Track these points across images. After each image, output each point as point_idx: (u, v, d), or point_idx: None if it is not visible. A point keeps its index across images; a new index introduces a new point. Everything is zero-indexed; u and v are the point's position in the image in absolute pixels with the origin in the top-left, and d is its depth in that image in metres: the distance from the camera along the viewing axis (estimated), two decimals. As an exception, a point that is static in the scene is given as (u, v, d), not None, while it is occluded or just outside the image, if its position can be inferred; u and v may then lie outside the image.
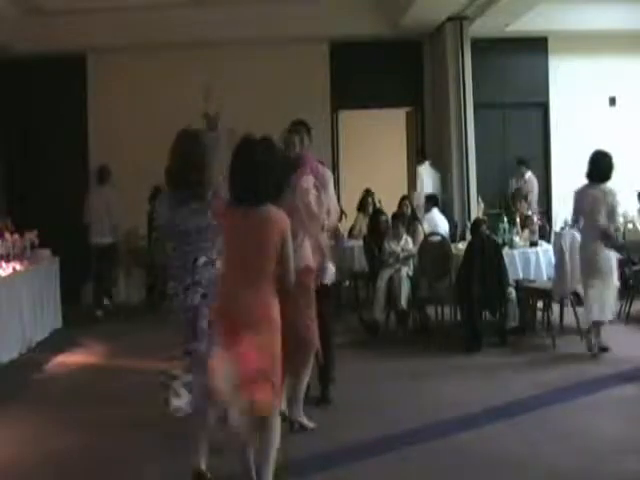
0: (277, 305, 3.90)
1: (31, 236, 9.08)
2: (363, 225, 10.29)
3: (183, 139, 4.63)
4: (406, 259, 8.41)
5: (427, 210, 10.44)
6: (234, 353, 3.77)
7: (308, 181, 5.27)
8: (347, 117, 12.61)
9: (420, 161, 11.90)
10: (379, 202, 10.90)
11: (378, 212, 9.88)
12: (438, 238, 8.76)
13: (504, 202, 10.94)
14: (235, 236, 3.90)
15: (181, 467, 4.65)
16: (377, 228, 9.11)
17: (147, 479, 4.62)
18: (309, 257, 5.15)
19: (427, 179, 11.64)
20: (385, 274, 8.26)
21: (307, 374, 5.29)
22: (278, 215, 3.90)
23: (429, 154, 12.38)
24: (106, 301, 11.06)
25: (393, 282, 8.15)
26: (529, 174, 11.59)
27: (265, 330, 3.82)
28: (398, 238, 8.51)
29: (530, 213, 9.49)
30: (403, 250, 8.43)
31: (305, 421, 5.30)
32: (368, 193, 11.01)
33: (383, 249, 8.49)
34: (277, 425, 3.97)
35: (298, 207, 5.08)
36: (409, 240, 8.61)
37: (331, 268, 5.46)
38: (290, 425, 5.20)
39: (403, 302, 8.05)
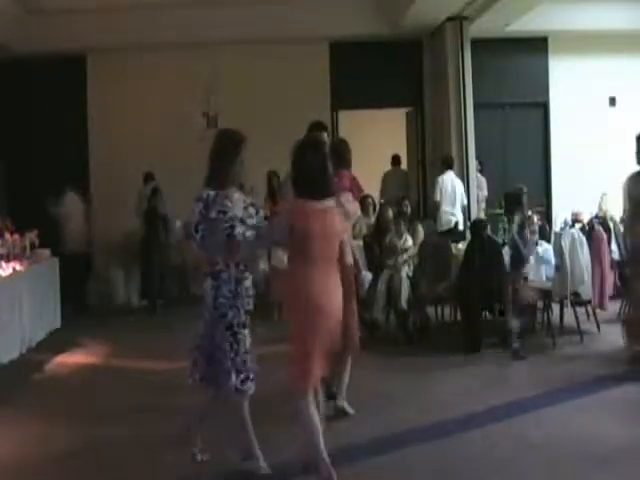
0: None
1: (31, 236, 9.08)
2: (363, 225, 10.27)
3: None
4: (405, 251, 8.38)
5: (441, 172, 10.96)
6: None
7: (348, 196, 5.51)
8: (347, 117, 12.61)
9: (393, 165, 12.51)
10: (380, 202, 10.91)
11: (383, 207, 9.76)
12: (438, 238, 8.77)
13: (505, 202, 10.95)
14: (318, 230, 4.10)
15: (182, 465, 4.65)
16: (382, 223, 9.00)
17: (148, 478, 4.62)
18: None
19: (394, 181, 12.21)
20: (385, 274, 8.25)
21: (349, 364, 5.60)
22: (336, 209, 4.29)
23: (429, 154, 12.42)
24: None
25: (393, 282, 8.14)
26: (478, 175, 11.82)
27: (339, 312, 4.22)
28: (399, 236, 8.50)
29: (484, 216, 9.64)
30: (404, 247, 8.41)
31: (347, 407, 5.52)
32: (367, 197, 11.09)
33: (384, 244, 8.45)
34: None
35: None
36: (409, 239, 8.60)
37: (368, 276, 5.70)
38: (335, 412, 5.45)
39: (403, 302, 8.04)
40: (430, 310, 8.52)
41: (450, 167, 11.03)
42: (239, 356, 4.35)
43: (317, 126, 5.88)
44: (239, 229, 4.36)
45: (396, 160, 12.67)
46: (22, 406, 6.18)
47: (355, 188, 5.78)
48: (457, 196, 10.90)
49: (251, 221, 4.44)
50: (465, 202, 11.06)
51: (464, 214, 11.06)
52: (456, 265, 8.00)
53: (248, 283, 4.43)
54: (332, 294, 4.16)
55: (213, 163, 4.46)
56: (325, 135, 5.89)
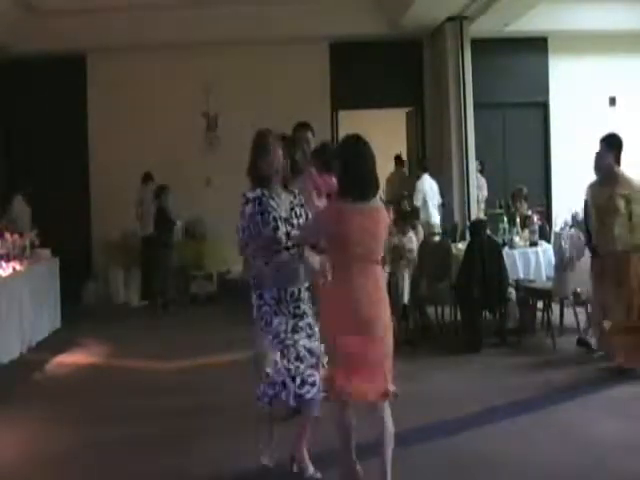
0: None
1: (31, 236, 9.07)
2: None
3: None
4: (411, 252, 8.37)
5: (418, 177, 11.23)
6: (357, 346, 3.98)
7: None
8: (347, 117, 12.61)
9: (397, 165, 12.84)
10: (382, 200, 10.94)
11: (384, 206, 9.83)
12: (438, 238, 8.77)
13: (505, 202, 10.96)
14: (358, 231, 3.94)
15: (183, 467, 4.66)
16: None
17: (146, 478, 4.62)
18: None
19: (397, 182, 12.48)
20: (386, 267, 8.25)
21: None
22: (384, 210, 4.16)
23: (429, 154, 12.43)
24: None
25: (396, 278, 8.14)
26: (478, 175, 11.97)
27: (385, 317, 4.10)
28: (403, 235, 8.48)
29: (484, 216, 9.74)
30: (407, 249, 8.40)
31: None
32: None
33: (389, 243, 8.43)
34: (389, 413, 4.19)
35: None
36: (413, 238, 8.58)
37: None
38: None
39: (405, 297, 8.04)
40: (430, 310, 8.52)
41: (426, 170, 11.21)
42: (291, 363, 4.20)
43: (302, 126, 5.82)
44: (283, 229, 4.23)
45: (399, 161, 12.86)
46: (22, 406, 6.17)
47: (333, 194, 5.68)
48: (435, 198, 11.14)
49: (298, 221, 4.31)
50: (440, 200, 11.23)
51: (440, 213, 11.27)
52: (456, 265, 7.99)
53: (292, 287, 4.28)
54: (371, 296, 3.96)
55: (251, 164, 4.38)
56: (310, 134, 5.82)
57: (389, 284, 8.18)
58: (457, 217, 11.33)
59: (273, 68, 11.82)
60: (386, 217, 4.12)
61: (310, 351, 4.26)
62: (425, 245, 8.61)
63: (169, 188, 10.83)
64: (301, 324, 4.28)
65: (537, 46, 12.35)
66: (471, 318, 7.64)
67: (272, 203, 4.26)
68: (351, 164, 4.00)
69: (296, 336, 4.25)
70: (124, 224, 11.56)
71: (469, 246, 7.84)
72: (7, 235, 8.66)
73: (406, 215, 9.04)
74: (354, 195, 3.95)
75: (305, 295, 4.34)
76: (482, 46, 11.64)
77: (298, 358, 4.22)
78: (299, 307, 4.29)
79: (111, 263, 11.77)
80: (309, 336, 4.29)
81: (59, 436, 5.32)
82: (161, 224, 10.76)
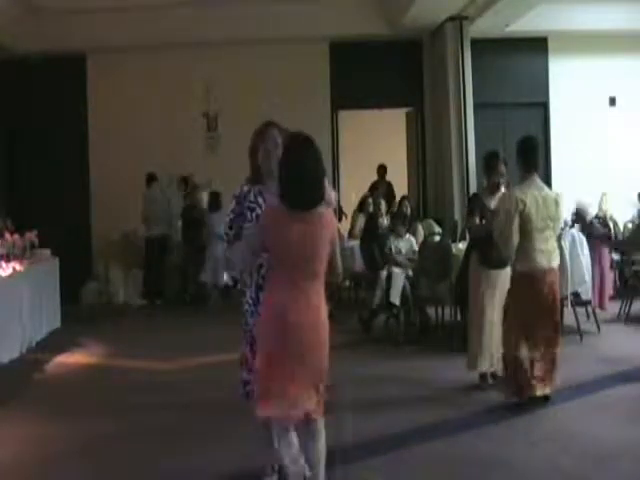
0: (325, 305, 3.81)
1: (31, 236, 9.07)
2: (363, 225, 10.28)
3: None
4: (414, 253, 8.38)
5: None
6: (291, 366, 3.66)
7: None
8: (347, 117, 12.62)
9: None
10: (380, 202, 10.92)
11: (374, 215, 9.82)
12: (438, 238, 8.77)
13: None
14: (297, 240, 3.65)
15: (182, 465, 4.66)
16: (372, 229, 9.04)
17: (146, 476, 4.62)
18: None
19: None
20: (386, 271, 8.27)
21: None
22: (330, 216, 3.83)
23: (429, 154, 12.42)
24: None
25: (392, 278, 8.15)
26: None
27: (322, 332, 3.74)
28: (399, 238, 8.50)
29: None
30: (405, 252, 8.41)
31: None
32: (367, 197, 11.16)
33: (386, 247, 8.45)
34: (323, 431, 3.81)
35: None
36: (412, 240, 8.58)
37: None
38: None
39: (395, 297, 8.04)
40: (430, 310, 8.52)
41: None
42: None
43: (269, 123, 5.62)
44: None
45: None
46: (22, 406, 6.18)
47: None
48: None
49: None
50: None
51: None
52: (456, 265, 7.97)
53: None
54: (310, 313, 3.67)
55: (250, 160, 4.24)
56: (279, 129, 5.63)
57: (387, 286, 8.22)
58: (457, 217, 11.32)
59: (273, 68, 11.82)
60: (331, 222, 3.79)
61: None
62: (425, 245, 8.61)
63: (198, 186, 11.01)
64: None
65: (537, 46, 12.34)
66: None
67: (259, 199, 4.12)
68: (291, 172, 3.67)
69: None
70: (124, 224, 11.56)
71: (469, 246, 7.82)
72: (7, 235, 8.66)
73: (404, 218, 9.01)
74: (293, 204, 3.66)
75: None
76: (482, 46, 11.63)
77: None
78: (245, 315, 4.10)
79: (111, 263, 11.78)
80: None
81: (59, 435, 5.32)
82: (192, 223, 10.99)
